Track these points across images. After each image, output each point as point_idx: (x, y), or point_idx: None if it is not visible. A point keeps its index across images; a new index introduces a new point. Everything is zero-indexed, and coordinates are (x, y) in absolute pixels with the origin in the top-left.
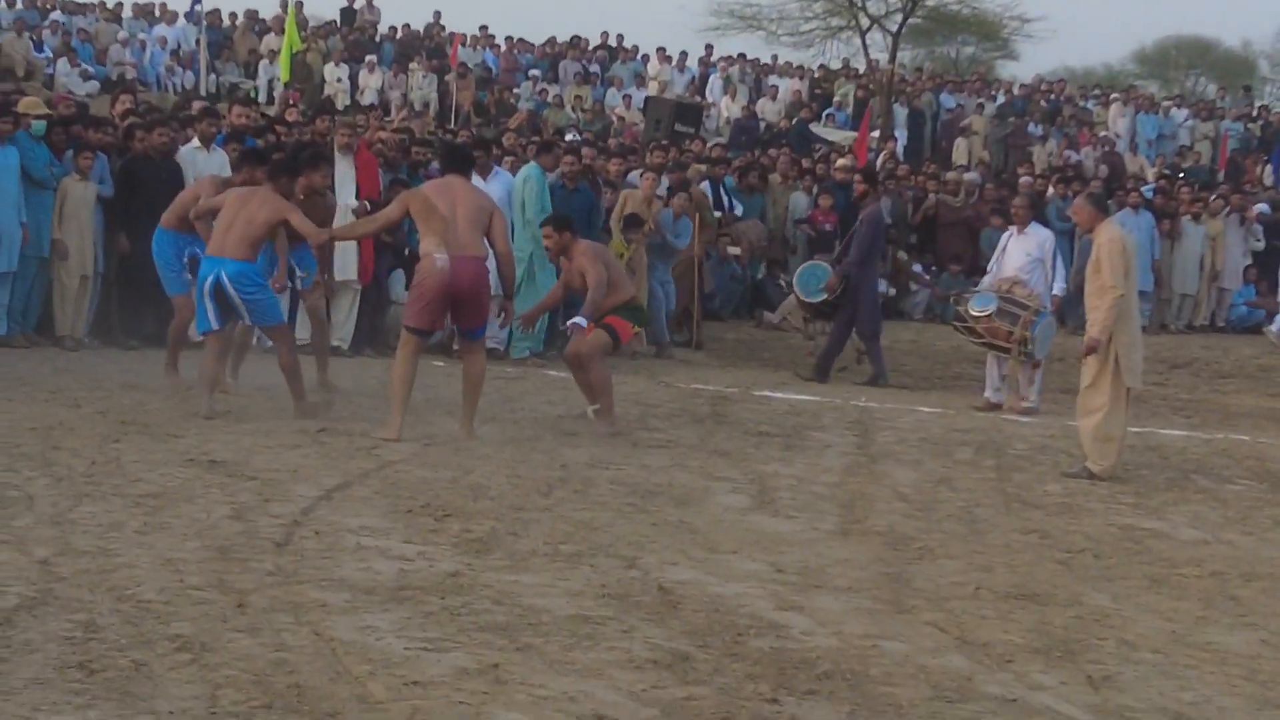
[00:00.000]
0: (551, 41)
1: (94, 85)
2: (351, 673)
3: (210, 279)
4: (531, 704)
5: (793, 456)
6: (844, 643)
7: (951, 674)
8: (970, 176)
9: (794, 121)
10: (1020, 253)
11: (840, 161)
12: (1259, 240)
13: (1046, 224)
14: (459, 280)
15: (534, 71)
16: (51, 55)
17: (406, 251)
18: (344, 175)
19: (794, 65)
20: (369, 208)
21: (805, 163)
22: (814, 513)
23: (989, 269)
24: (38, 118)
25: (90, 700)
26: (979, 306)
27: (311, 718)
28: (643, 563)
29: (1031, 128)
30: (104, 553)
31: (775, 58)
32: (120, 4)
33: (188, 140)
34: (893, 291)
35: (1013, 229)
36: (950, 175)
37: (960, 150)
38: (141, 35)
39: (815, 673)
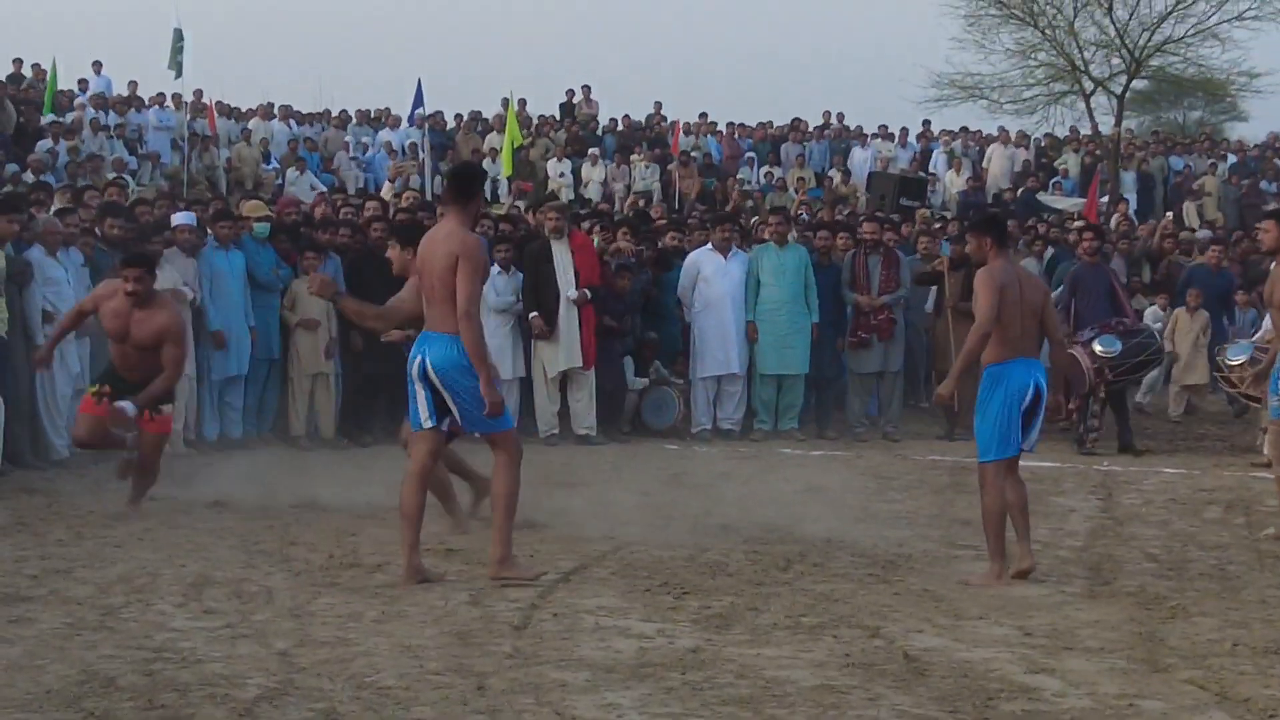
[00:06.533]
0: (768, 124)
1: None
2: None
3: None
4: None
5: (1036, 521)
6: (1099, 703)
7: None
8: (1203, 234)
9: (1019, 191)
10: None
11: (1076, 223)
12: None
13: None
14: None
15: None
16: (279, 165)
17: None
18: (562, 262)
19: (1014, 134)
20: (589, 296)
21: (1040, 227)
22: (1061, 576)
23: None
24: (259, 220)
25: None
26: (1233, 355)
27: None
28: (886, 631)
29: (1265, 184)
30: (343, 642)
31: (1001, 129)
32: (345, 112)
33: None
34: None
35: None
36: (1182, 235)
37: (1190, 213)
38: (365, 139)
39: None
